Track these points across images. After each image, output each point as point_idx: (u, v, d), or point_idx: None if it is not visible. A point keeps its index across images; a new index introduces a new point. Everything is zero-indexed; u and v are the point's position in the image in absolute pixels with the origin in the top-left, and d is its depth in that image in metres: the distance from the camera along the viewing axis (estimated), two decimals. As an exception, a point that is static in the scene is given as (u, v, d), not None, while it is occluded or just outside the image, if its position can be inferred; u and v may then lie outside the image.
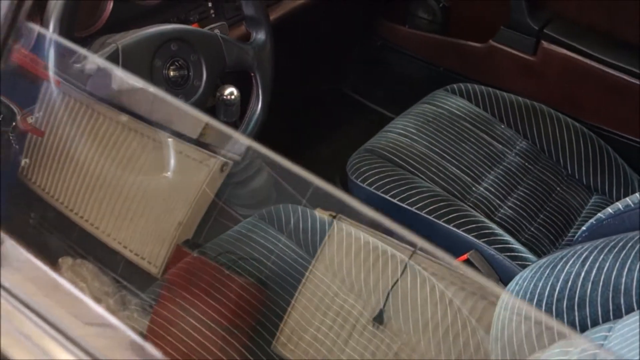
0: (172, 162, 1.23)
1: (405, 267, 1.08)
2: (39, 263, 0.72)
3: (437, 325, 1.03)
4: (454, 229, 1.26)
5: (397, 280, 1.07)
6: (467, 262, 1.23)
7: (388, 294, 1.06)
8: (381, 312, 1.05)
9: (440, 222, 1.27)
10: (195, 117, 1.16)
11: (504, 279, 1.22)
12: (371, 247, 1.11)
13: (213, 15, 1.34)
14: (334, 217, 1.20)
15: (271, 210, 1.25)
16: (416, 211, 1.29)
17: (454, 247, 1.26)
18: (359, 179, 1.37)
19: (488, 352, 1.00)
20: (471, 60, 1.88)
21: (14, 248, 0.73)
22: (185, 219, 1.18)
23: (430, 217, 1.28)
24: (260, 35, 1.27)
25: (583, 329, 0.78)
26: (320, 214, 1.22)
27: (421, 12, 1.98)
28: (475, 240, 1.25)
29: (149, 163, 1.22)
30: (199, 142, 1.19)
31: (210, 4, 1.34)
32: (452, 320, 1.03)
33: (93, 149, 1.21)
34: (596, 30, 1.68)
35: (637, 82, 1.60)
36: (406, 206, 1.30)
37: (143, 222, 1.21)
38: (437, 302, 1.05)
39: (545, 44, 1.70)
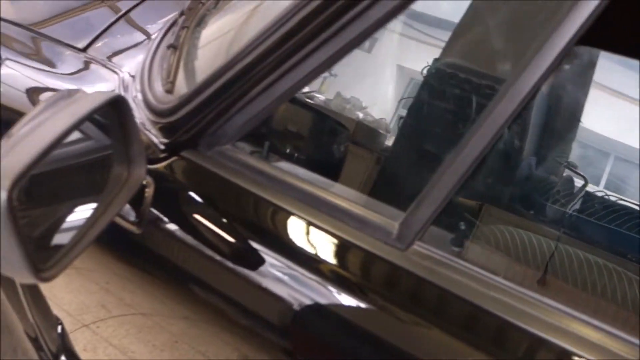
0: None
1: (556, 246, 1.31)
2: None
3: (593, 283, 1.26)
4: (619, 229, 1.51)
5: (553, 252, 1.29)
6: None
7: (547, 263, 1.28)
8: (544, 275, 1.26)
9: (607, 225, 1.53)
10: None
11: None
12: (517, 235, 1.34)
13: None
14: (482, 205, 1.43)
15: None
16: (587, 217, 1.56)
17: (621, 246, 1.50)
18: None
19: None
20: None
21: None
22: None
23: (599, 222, 1.54)
24: None
25: None
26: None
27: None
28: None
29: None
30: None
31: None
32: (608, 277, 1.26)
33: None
34: None
35: None
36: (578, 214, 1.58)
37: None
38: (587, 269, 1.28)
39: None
